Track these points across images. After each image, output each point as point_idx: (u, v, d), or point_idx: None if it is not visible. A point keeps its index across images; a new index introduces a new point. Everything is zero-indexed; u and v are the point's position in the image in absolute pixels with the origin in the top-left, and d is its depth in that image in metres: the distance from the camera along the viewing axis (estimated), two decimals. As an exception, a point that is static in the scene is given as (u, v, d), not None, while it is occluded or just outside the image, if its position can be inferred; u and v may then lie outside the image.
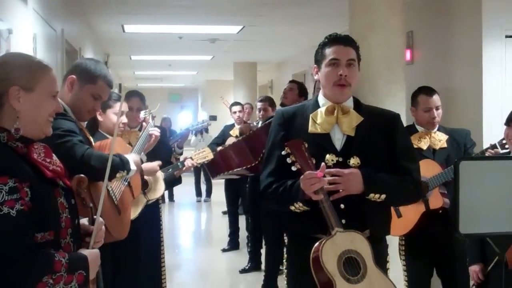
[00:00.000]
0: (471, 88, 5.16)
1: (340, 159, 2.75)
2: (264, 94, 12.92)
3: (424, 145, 4.19)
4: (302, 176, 2.66)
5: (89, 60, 3.25)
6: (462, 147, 4.16)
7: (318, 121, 2.81)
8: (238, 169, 5.54)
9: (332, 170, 2.69)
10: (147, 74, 17.09)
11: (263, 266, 6.73)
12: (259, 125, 6.47)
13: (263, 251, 6.99)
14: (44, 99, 2.17)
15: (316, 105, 2.87)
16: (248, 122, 8.30)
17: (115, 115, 3.99)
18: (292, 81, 6.38)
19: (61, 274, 2.04)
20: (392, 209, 3.18)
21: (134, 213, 4.09)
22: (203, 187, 13.44)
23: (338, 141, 2.80)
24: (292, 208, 2.75)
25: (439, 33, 5.66)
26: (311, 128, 2.80)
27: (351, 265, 2.65)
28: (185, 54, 12.30)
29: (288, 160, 2.70)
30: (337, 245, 2.64)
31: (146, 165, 4.08)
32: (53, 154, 2.22)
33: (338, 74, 2.76)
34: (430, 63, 5.86)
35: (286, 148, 2.72)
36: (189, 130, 6.38)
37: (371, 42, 4.69)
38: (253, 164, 5.43)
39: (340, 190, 2.69)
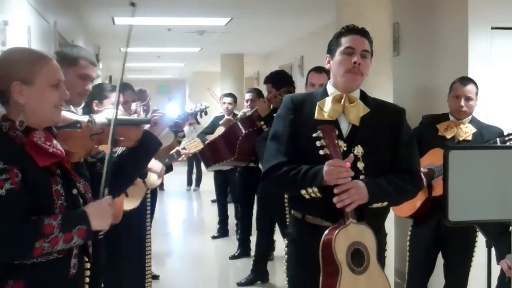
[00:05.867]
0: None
1: (345, 147, 2.80)
2: (251, 85, 13.01)
3: (448, 134, 4.25)
4: (328, 163, 2.68)
5: (65, 47, 3.30)
6: (485, 143, 4.12)
7: (325, 109, 2.85)
8: (224, 161, 5.66)
9: (341, 186, 2.68)
10: (136, 66, 17.09)
11: (252, 253, 6.87)
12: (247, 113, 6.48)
13: (252, 238, 7.14)
14: (45, 90, 2.23)
15: (325, 94, 2.92)
16: (235, 114, 8.36)
17: (112, 105, 3.91)
18: (264, 81, 5.98)
19: (56, 235, 2.11)
20: None
21: (136, 202, 4.20)
22: (194, 177, 13.60)
23: (344, 130, 2.84)
24: (303, 192, 2.76)
25: (425, 25, 5.68)
26: (317, 115, 2.85)
27: (357, 256, 2.71)
28: (173, 46, 12.33)
29: (318, 143, 2.72)
30: (349, 235, 2.70)
31: (151, 163, 4.19)
32: (54, 139, 2.28)
33: (352, 62, 2.81)
34: (416, 54, 5.89)
35: (318, 131, 2.73)
36: (187, 114, 6.46)
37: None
38: (233, 158, 5.54)
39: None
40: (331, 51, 2.93)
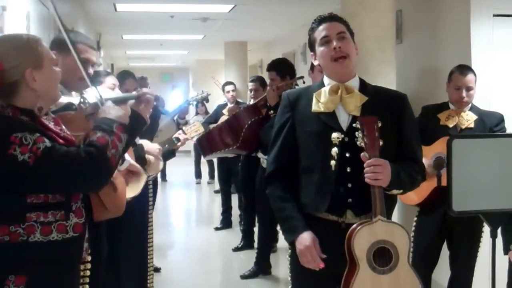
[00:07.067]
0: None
1: (346, 139, 2.75)
2: (254, 73, 12.91)
3: (451, 123, 4.25)
4: (305, 248, 2.69)
5: (60, 33, 3.27)
6: (487, 129, 4.14)
7: (321, 100, 2.81)
8: (224, 150, 5.61)
9: (371, 160, 2.63)
10: (139, 53, 17.03)
11: (255, 244, 6.82)
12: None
13: (255, 229, 7.07)
14: (51, 70, 2.25)
15: (322, 86, 2.87)
16: (239, 102, 8.34)
17: (107, 88, 3.91)
18: (268, 68, 6.00)
19: (112, 140, 2.21)
20: None
21: (136, 190, 4.12)
22: (204, 169, 13.27)
23: (344, 122, 2.79)
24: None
25: (428, 12, 5.66)
26: (314, 107, 2.81)
27: (382, 255, 2.65)
28: (176, 33, 12.28)
29: (357, 134, 2.67)
30: (374, 233, 2.63)
31: (148, 145, 4.18)
32: (62, 125, 2.30)
33: (332, 48, 2.77)
34: (419, 42, 5.87)
35: (357, 121, 2.68)
36: (188, 102, 6.42)
37: (362, 21, 4.72)
38: (236, 146, 5.48)
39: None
40: (312, 48, 2.92)
